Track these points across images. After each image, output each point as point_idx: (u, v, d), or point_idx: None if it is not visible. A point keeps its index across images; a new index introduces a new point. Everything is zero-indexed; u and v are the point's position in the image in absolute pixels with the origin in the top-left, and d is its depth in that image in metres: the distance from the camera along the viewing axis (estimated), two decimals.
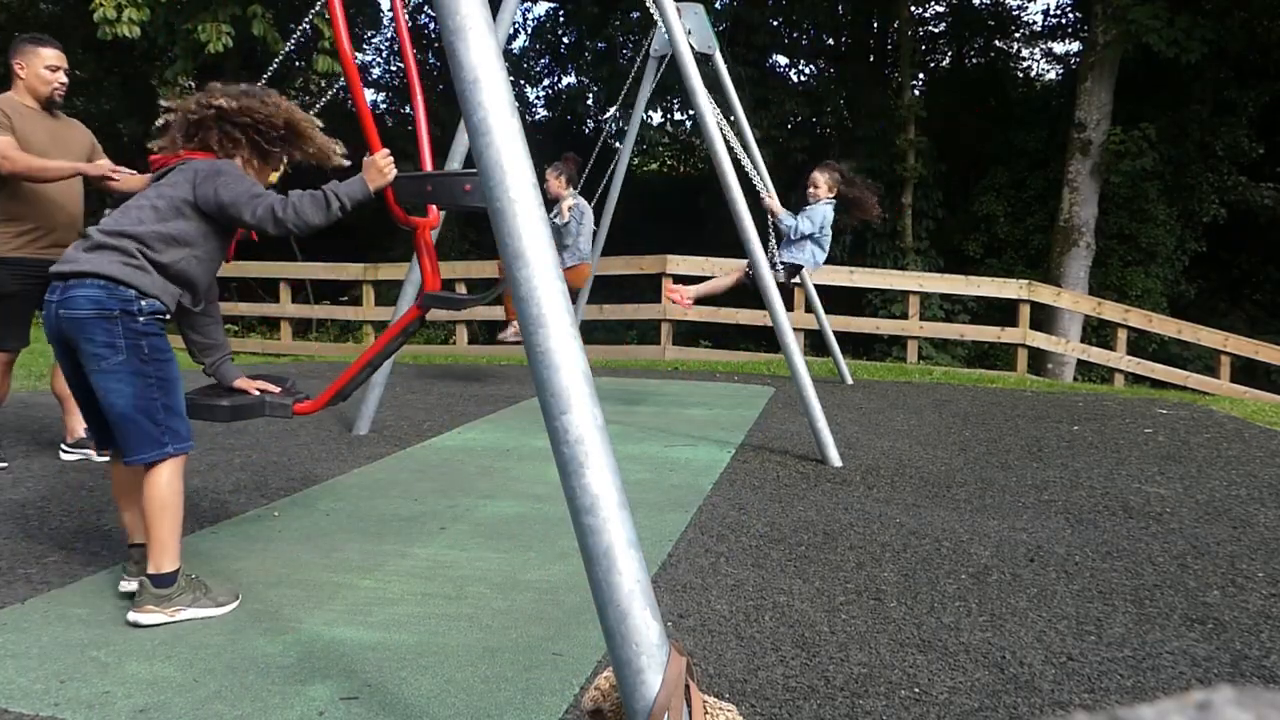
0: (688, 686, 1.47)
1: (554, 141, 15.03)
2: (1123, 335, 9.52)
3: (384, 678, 2.14)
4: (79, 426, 4.19)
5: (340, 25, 2.53)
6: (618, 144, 7.39)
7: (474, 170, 2.58)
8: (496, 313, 10.23)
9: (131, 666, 2.16)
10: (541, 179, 5.69)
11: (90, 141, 4.21)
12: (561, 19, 18.77)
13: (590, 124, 18.21)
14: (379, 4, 12.17)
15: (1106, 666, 2.24)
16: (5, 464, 4.07)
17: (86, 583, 2.70)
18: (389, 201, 2.57)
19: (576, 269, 6.46)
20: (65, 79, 4.06)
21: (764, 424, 5.42)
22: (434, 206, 2.84)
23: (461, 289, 9.79)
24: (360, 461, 4.33)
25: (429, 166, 2.89)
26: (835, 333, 7.57)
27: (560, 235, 6.35)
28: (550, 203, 6.54)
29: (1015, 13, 17.36)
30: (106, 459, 4.09)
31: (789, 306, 7.79)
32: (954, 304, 13.44)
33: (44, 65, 3.95)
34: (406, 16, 2.33)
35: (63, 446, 4.28)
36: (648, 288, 10.28)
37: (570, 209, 6.34)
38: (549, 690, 2.08)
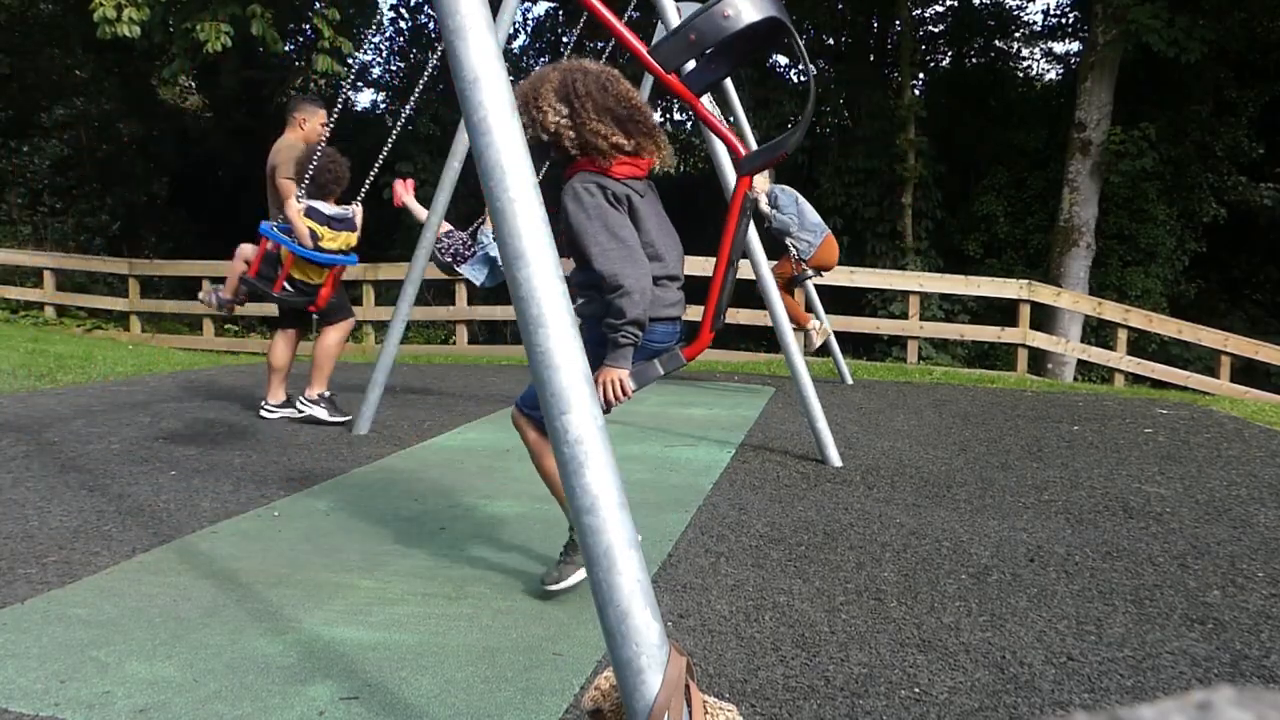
0: (688, 686, 1.47)
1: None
2: (1123, 335, 9.52)
3: (384, 678, 2.14)
4: (281, 393, 5.27)
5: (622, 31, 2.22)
6: None
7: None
8: (495, 313, 10.23)
9: (131, 666, 2.16)
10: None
11: None
12: (561, 19, 18.77)
13: None
14: (378, 4, 12.17)
15: (1106, 666, 2.24)
16: None
17: (86, 583, 2.70)
18: (661, 76, 2.17)
19: (825, 244, 6.35)
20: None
21: (764, 424, 5.42)
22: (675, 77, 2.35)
23: (461, 289, 9.78)
24: (360, 461, 4.33)
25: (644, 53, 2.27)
26: (835, 333, 7.57)
27: (785, 226, 6.24)
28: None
29: (1015, 13, 17.36)
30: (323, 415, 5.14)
31: None
32: (954, 304, 13.44)
33: (320, 123, 5.12)
34: None
35: (265, 405, 5.27)
36: None
37: (772, 198, 6.26)
38: (549, 690, 2.08)
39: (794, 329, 6.61)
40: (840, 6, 16.81)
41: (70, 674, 2.12)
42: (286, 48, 13.21)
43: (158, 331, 11.73)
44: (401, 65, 18.72)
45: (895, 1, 14.99)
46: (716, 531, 3.28)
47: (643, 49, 2.18)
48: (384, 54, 19.13)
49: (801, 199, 6.44)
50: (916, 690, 2.11)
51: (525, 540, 3.17)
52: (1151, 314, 10.15)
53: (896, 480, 4.08)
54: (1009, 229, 14.40)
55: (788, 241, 6.36)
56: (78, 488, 3.72)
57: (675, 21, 4.64)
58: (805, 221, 6.33)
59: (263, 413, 5.26)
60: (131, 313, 11.51)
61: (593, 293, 2.49)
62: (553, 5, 19.23)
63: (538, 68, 2.51)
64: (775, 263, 6.72)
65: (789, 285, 6.63)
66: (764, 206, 6.39)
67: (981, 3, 17.03)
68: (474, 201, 5.83)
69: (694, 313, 3.33)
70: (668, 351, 2.52)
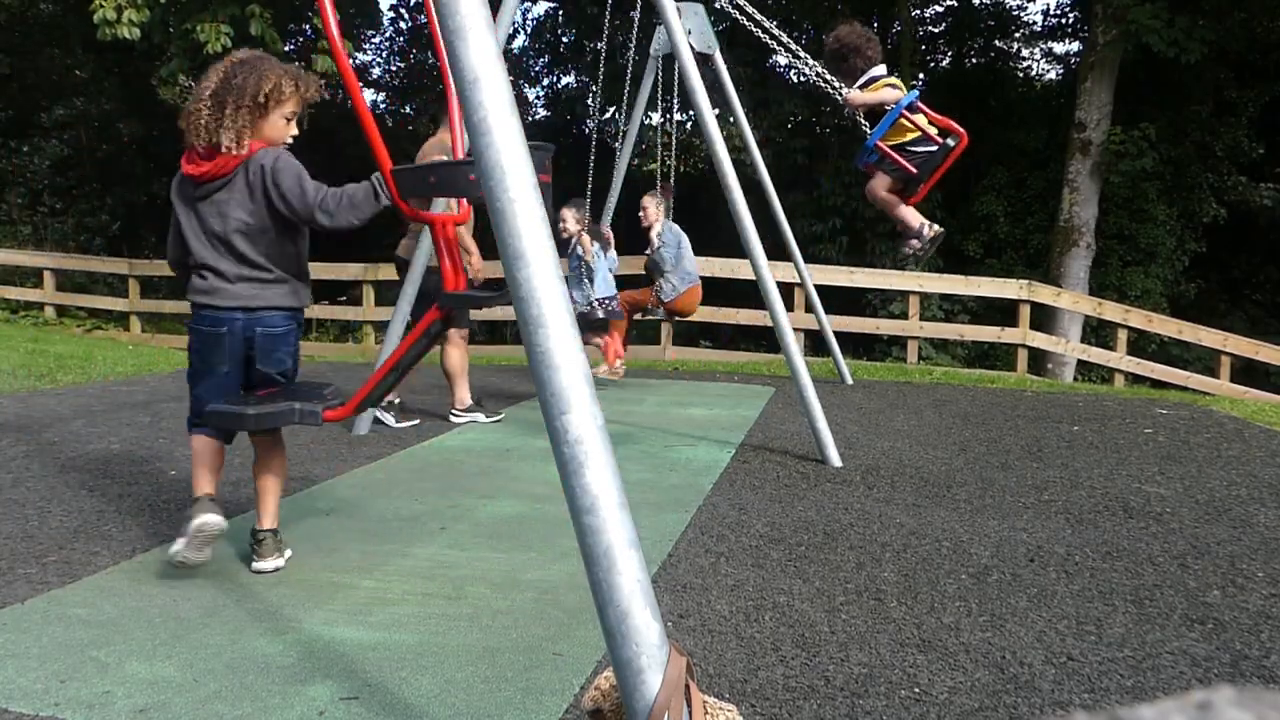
0: (688, 686, 1.47)
1: (554, 141, 15.04)
2: (1123, 335, 9.52)
3: (384, 678, 2.14)
4: (467, 396, 5.36)
5: (332, 24, 2.48)
6: (618, 144, 7.38)
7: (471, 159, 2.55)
8: (495, 313, 10.23)
9: (131, 666, 2.16)
10: (587, 216, 6.04)
11: None
12: (561, 19, 18.76)
13: (590, 124, 18.20)
14: (378, 4, 12.17)
15: (1106, 666, 2.24)
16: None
17: (86, 583, 2.70)
18: (394, 198, 2.55)
19: (689, 293, 6.57)
20: None
21: (764, 424, 5.42)
22: (464, 200, 2.87)
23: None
24: (360, 461, 4.33)
25: (460, 154, 2.83)
26: (835, 333, 7.57)
27: (659, 264, 6.47)
28: (642, 232, 6.75)
29: (1015, 13, 17.37)
30: (497, 419, 5.35)
31: (789, 307, 7.79)
32: (954, 304, 13.44)
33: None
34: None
35: (452, 413, 5.34)
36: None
37: (659, 235, 6.48)
38: (549, 690, 2.08)
39: (602, 365, 6.47)
40: (840, 6, 16.80)
41: (70, 674, 2.12)
42: (286, 48, 13.20)
43: (158, 331, 11.72)
44: (401, 65, 18.74)
45: (895, 1, 14.99)
46: (716, 531, 3.28)
47: (389, 165, 2.51)
48: (384, 54, 19.15)
49: (685, 243, 6.59)
50: (916, 690, 2.11)
51: (525, 540, 3.17)
52: (1151, 314, 10.15)
53: (896, 480, 4.08)
54: (1009, 229, 14.40)
55: (656, 278, 6.56)
56: (78, 488, 3.72)
57: (675, 23, 4.64)
58: (680, 267, 6.52)
59: (451, 417, 5.35)
60: (131, 313, 11.51)
61: None
62: (553, 5, 19.23)
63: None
64: (639, 290, 6.78)
65: (634, 313, 6.71)
66: (653, 235, 6.53)
67: (981, 3, 17.04)
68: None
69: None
70: (229, 333, 2.73)
